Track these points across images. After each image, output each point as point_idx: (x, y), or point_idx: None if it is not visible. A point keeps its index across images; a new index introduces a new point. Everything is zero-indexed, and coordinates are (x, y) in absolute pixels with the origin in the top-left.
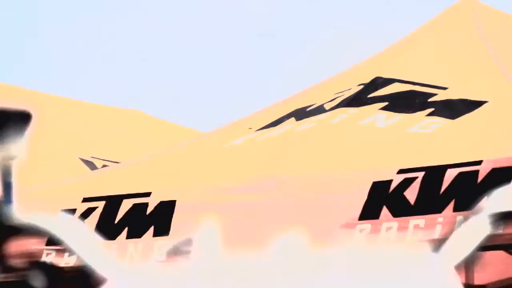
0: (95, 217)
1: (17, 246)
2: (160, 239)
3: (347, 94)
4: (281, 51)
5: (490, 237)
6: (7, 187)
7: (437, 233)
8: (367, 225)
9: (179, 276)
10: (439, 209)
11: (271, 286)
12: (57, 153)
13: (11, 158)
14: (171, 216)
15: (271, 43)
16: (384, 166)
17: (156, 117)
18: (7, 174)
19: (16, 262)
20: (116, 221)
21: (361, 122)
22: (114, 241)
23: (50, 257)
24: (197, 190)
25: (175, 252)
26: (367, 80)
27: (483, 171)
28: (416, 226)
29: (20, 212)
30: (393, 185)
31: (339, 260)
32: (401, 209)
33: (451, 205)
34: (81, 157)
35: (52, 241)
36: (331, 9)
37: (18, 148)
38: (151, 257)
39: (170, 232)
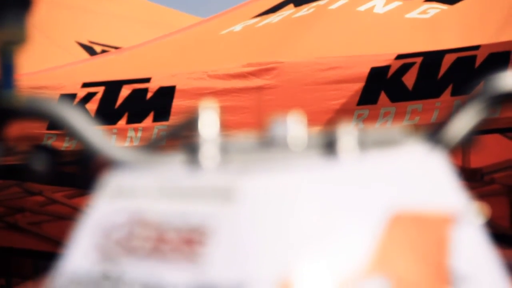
0: (95, 102)
1: (18, 130)
2: (160, 124)
3: None
4: None
5: (487, 121)
6: (8, 71)
7: (434, 117)
8: (365, 110)
9: (178, 162)
10: (436, 94)
11: (271, 163)
12: (55, 37)
13: (11, 42)
14: (171, 102)
15: None
16: (382, 52)
17: (154, 3)
18: (7, 58)
19: (17, 146)
20: (116, 106)
21: (359, 8)
22: (115, 126)
23: (50, 141)
24: (196, 76)
25: (175, 136)
26: None
27: (480, 56)
28: (414, 111)
29: (20, 96)
30: (391, 71)
31: (338, 141)
32: (399, 94)
33: (449, 90)
34: (80, 42)
35: (53, 126)
36: None
37: (18, 32)
38: (151, 141)
39: (170, 117)
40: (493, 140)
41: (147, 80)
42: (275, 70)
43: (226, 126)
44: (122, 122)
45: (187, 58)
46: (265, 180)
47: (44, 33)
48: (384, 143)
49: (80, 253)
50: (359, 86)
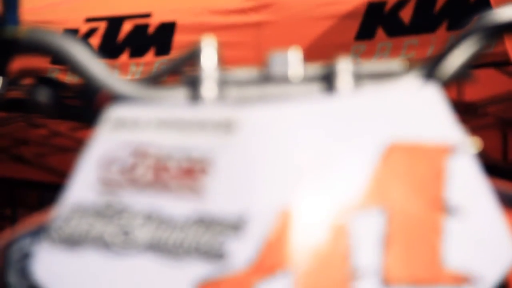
0: (97, 37)
1: (21, 63)
2: (161, 59)
3: None
4: None
5: (481, 55)
6: (11, 5)
7: (430, 52)
8: (362, 45)
9: (179, 96)
10: (432, 29)
11: (270, 97)
12: None
13: None
14: (172, 37)
15: None
16: None
17: None
18: None
19: (21, 79)
20: (118, 41)
21: None
22: (117, 60)
23: (54, 75)
24: (197, 11)
25: (176, 70)
26: None
27: None
28: (410, 46)
29: (24, 30)
30: (388, 6)
31: (335, 74)
32: (396, 29)
33: (445, 25)
34: None
35: (56, 60)
36: None
37: None
38: (152, 75)
39: (171, 52)
40: (488, 74)
41: (147, 15)
42: (274, 6)
43: (225, 61)
44: (124, 57)
45: None
46: (264, 112)
47: None
48: (380, 76)
49: (83, 184)
50: (356, 21)
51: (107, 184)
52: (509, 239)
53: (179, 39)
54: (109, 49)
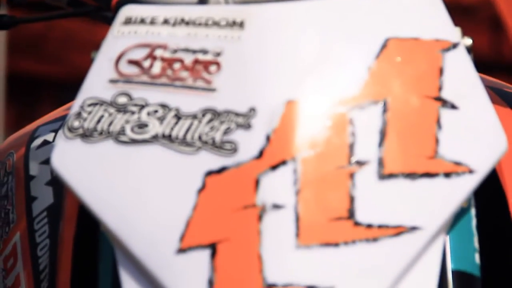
0: None
1: None
2: None
3: None
4: None
5: None
6: None
7: None
8: None
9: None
10: None
11: None
12: None
13: None
14: None
15: None
16: None
17: None
18: None
19: None
20: None
21: None
22: None
23: None
24: None
25: None
26: None
27: None
28: None
29: None
30: None
31: None
32: None
33: None
34: None
35: None
36: None
37: None
38: None
39: None
40: None
41: None
42: None
43: None
44: None
45: None
46: (271, 11)
47: None
48: None
49: (100, 80)
50: None
51: (122, 80)
52: (499, 132)
53: None
54: None
